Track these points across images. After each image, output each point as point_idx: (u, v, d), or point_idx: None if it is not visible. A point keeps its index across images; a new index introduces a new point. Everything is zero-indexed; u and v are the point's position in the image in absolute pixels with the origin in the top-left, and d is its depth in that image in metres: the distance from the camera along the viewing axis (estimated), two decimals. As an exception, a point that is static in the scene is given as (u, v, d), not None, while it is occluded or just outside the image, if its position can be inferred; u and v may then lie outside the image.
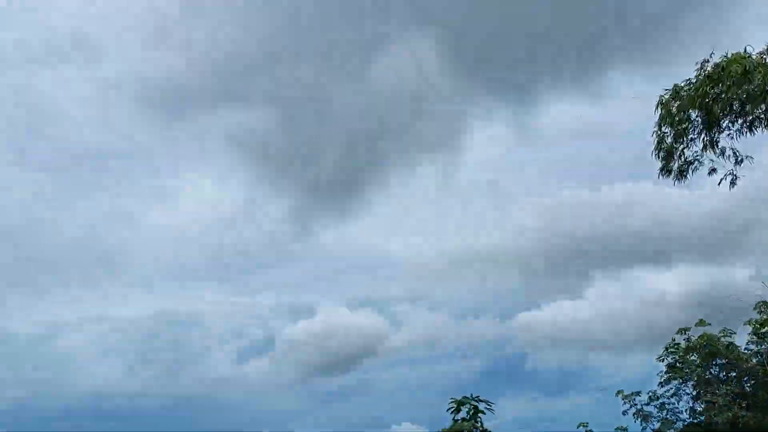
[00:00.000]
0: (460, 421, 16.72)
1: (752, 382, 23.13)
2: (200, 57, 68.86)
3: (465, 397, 17.06)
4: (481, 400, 16.95)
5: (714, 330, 23.66)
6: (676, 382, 24.08)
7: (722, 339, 23.40)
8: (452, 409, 17.08)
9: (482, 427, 16.64)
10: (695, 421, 23.57)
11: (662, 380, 24.32)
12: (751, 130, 15.54)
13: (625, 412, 24.08)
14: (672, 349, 24.26)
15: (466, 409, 16.97)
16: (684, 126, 15.80)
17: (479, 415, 16.78)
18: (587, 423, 22.60)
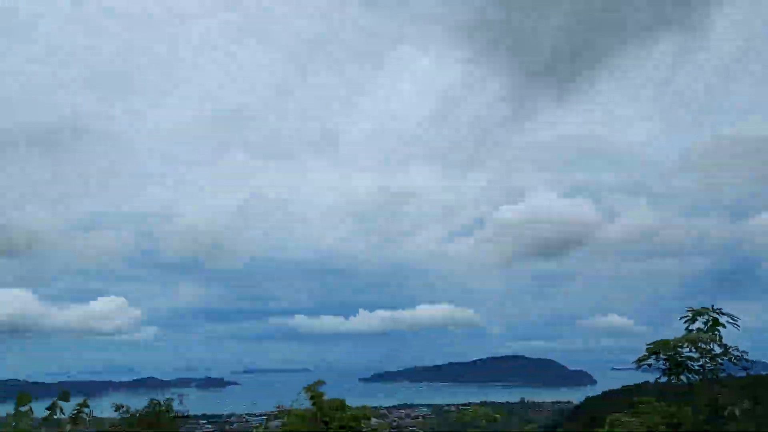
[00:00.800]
0: (695, 331, 15.62)
1: None
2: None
3: (704, 308, 15.86)
4: (723, 313, 15.71)
5: None
6: None
7: None
8: (687, 318, 15.96)
9: (721, 341, 15.48)
10: None
11: None
12: None
13: None
14: None
15: (703, 320, 15.81)
16: None
17: (718, 328, 15.61)
18: None
